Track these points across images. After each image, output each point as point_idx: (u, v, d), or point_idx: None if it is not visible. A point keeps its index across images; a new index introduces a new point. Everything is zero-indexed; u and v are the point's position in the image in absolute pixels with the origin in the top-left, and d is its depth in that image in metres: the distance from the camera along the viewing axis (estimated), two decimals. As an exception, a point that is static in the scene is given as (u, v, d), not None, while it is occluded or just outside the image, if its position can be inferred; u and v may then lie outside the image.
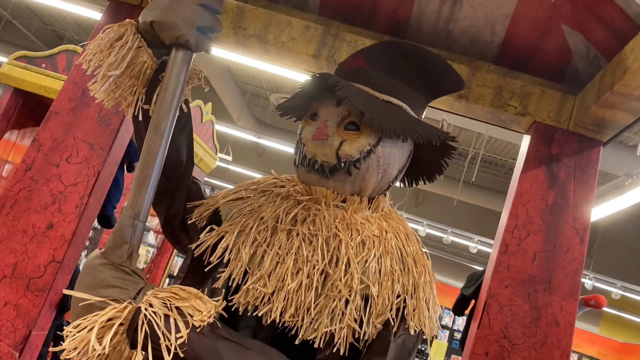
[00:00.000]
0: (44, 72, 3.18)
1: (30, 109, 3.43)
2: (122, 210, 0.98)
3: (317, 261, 1.06)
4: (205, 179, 8.79)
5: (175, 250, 4.59)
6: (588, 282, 9.32)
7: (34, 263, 1.57)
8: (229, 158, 9.35)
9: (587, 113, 1.49)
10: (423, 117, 1.25)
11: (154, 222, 4.73)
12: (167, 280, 5.05)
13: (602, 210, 6.58)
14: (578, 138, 1.60)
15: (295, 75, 5.37)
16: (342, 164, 1.12)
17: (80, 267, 2.89)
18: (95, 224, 3.12)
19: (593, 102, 1.44)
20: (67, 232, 1.58)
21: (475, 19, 1.61)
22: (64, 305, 1.72)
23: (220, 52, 3.63)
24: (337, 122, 1.13)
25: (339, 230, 1.10)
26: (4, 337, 1.52)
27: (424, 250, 1.25)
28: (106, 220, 2.96)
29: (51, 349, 0.94)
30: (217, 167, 5.22)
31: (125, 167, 3.10)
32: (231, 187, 1.31)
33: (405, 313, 1.10)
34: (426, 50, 1.21)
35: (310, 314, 1.03)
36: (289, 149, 8.39)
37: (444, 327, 11.24)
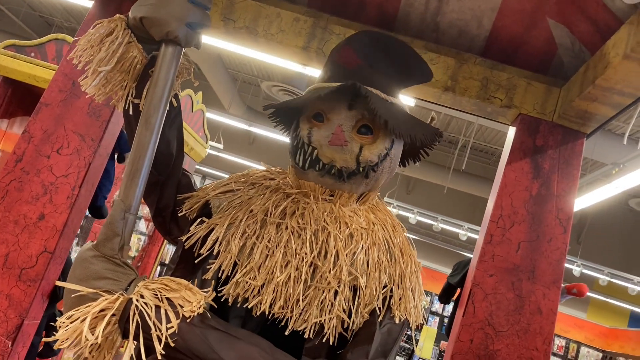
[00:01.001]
0: (33, 61, 3.17)
1: (19, 97, 3.42)
2: (113, 204, 1.00)
3: (306, 254, 1.09)
4: (197, 167, 8.78)
5: (166, 239, 4.60)
6: (576, 269, 9.42)
7: (25, 253, 1.58)
8: (220, 146, 9.33)
9: (571, 106, 1.51)
10: None
11: (145, 210, 4.74)
12: (159, 268, 5.07)
13: (591, 198, 6.64)
14: (562, 130, 1.63)
15: (286, 63, 5.35)
16: (362, 169, 1.15)
17: (71, 257, 2.89)
18: (86, 213, 3.13)
19: (576, 95, 1.46)
20: (59, 222, 1.60)
21: (462, 12, 1.62)
22: (55, 294, 1.74)
23: (211, 39, 3.62)
24: (351, 126, 1.15)
25: (327, 224, 1.13)
26: (-3, 326, 1.54)
27: (410, 239, 1.28)
28: (97, 210, 2.96)
29: (44, 339, 0.96)
30: (208, 155, 5.22)
31: (115, 157, 3.10)
32: (222, 175, 1.33)
33: (391, 302, 1.13)
34: (400, 41, 1.24)
35: (299, 305, 1.06)
36: (280, 137, 8.37)
37: (433, 313, 11.33)
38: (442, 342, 9.42)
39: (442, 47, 1.70)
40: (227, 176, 1.32)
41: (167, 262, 9.83)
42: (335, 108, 1.15)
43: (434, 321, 11.19)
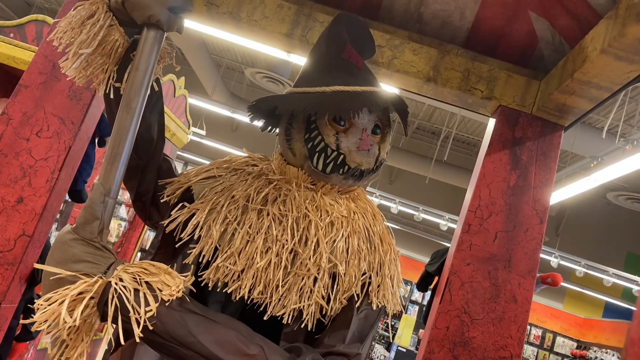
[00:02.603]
0: (13, 42, 3.11)
1: (-2, 79, 3.36)
2: (93, 187, 1.00)
3: (287, 240, 1.10)
4: (179, 153, 8.72)
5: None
6: (554, 260, 9.55)
7: (3, 237, 1.57)
8: (203, 132, 9.27)
9: (550, 98, 1.53)
10: None
11: (125, 195, 4.71)
12: (139, 254, 5.05)
13: (570, 190, 6.74)
14: (541, 122, 1.65)
15: (271, 50, 5.32)
16: (376, 167, 1.20)
17: (51, 241, 2.87)
18: (66, 197, 3.10)
19: (555, 88, 1.49)
20: (38, 206, 1.58)
21: (445, 3, 1.63)
22: (34, 278, 1.73)
23: (195, 25, 3.60)
24: (371, 129, 1.19)
25: (308, 211, 1.14)
26: (-27, 309, 1.53)
27: (389, 227, 1.30)
28: (77, 194, 2.94)
29: (22, 322, 0.96)
30: (191, 141, 5.19)
31: (96, 141, 3.07)
32: (204, 161, 1.33)
33: (369, 289, 1.14)
34: (364, 23, 1.29)
35: (279, 291, 1.07)
36: (263, 124, 8.29)
37: (413, 302, 11.43)
38: (420, 330, 9.51)
39: (425, 38, 1.71)
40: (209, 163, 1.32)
41: (147, 248, 9.75)
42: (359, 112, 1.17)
43: (414, 310, 11.30)
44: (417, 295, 11.40)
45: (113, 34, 1.07)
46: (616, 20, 1.20)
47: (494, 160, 1.63)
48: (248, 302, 1.09)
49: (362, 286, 1.14)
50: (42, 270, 0.96)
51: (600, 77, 1.32)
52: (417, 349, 9.01)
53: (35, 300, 2.42)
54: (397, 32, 1.70)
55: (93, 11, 1.05)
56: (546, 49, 1.63)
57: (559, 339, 11.60)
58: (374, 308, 1.14)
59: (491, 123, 1.71)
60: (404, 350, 7.92)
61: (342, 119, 1.16)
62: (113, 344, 0.92)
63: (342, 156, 1.15)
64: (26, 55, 3.05)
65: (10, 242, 1.57)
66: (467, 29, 1.68)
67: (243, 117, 9.63)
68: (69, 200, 3.49)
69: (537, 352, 11.50)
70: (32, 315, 0.91)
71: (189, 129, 4.28)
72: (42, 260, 1.66)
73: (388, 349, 8.66)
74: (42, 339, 3.30)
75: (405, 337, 8.37)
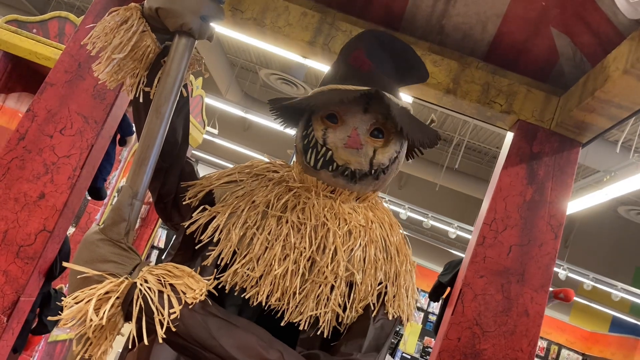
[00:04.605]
0: (35, 37, 3.16)
1: (19, 73, 3.41)
2: (121, 190, 1.02)
3: (305, 248, 1.12)
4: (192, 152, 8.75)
5: (158, 222, 4.62)
6: (562, 273, 9.53)
7: (24, 231, 1.60)
8: (215, 131, 9.32)
9: (569, 115, 1.54)
10: None
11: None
12: (148, 251, 5.08)
13: (580, 203, 6.72)
14: (559, 138, 1.66)
15: (286, 52, 5.34)
16: (373, 171, 1.19)
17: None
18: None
19: (575, 105, 1.50)
20: (59, 202, 1.61)
21: (468, 16, 1.65)
22: (52, 273, 1.75)
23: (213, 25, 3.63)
24: (366, 129, 1.18)
25: (327, 220, 1.16)
26: (-7, 302, 1.55)
27: (406, 238, 1.31)
28: (96, 192, 2.98)
29: (50, 318, 0.99)
30: (203, 139, 5.23)
31: (117, 140, 3.11)
32: (215, 160, 1.35)
33: (385, 299, 1.16)
34: (402, 42, 1.29)
35: (296, 298, 1.09)
36: (275, 125, 8.35)
37: (418, 309, 11.42)
38: (426, 337, 9.50)
39: (445, 50, 1.73)
40: (220, 161, 1.35)
41: (156, 244, 9.83)
42: (351, 111, 1.18)
43: (419, 317, 11.28)
44: (422, 302, 11.38)
45: (145, 40, 1.09)
46: (640, 41, 1.21)
47: (510, 174, 1.64)
48: (265, 308, 1.10)
49: (378, 296, 1.16)
50: (60, 265, 0.98)
51: (621, 97, 1.33)
52: (421, 356, 9.00)
53: (51, 295, 2.44)
54: (418, 43, 1.71)
55: (127, 17, 1.07)
56: (566, 65, 1.64)
57: (564, 352, 11.53)
58: (390, 318, 1.15)
59: (509, 137, 1.72)
60: (409, 357, 7.91)
61: (334, 116, 1.19)
62: (136, 342, 0.94)
63: (330, 152, 1.17)
64: (48, 51, 3.10)
65: (31, 236, 1.60)
66: (488, 42, 1.70)
67: (255, 117, 9.66)
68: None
69: (542, 364, 11.46)
70: (60, 310, 0.93)
71: (204, 128, 4.32)
72: (59, 255, 1.69)
73: (392, 355, 8.66)
74: (53, 332, 3.34)
75: (410, 344, 8.37)
